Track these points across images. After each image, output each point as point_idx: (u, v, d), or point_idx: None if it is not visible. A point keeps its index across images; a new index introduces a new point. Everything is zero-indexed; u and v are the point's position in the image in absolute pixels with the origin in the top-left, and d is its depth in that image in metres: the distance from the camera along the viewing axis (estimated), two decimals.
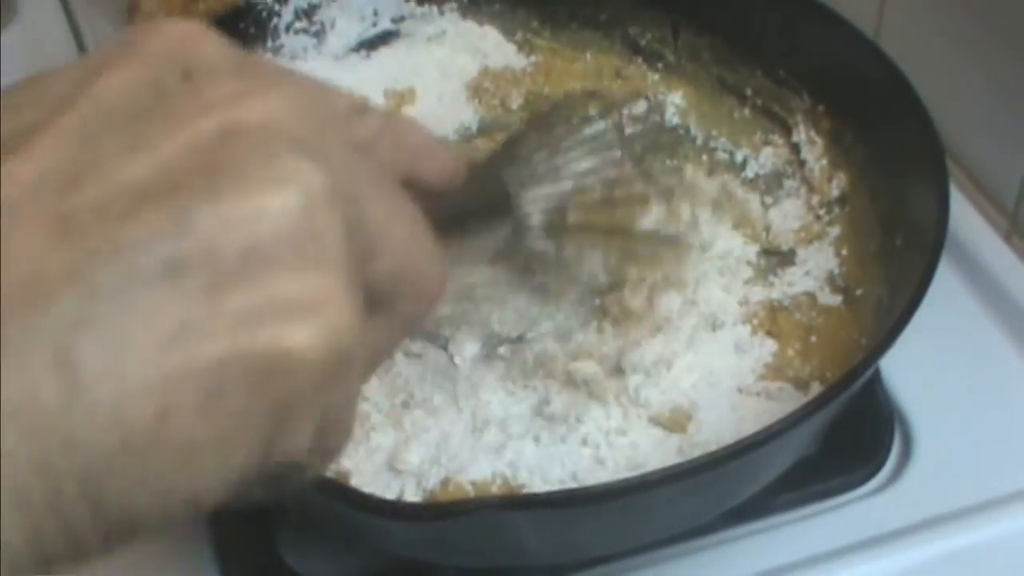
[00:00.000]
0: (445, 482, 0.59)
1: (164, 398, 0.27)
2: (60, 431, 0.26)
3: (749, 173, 0.75)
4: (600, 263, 0.61)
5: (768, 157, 0.75)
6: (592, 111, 0.63)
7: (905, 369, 0.68)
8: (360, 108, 0.37)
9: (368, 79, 0.80)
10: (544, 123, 0.59)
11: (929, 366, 0.69)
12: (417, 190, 0.38)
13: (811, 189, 0.72)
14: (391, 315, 0.35)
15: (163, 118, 0.29)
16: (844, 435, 0.62)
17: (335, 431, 0.31)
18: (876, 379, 0.67)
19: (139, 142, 0.28)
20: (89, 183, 0.28)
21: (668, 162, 0.67)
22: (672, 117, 0.78)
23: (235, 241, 0.28)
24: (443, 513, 0.50)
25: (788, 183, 0.74)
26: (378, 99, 0.79)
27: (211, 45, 0.33)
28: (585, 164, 0.57)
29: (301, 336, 0.28)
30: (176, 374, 0.27)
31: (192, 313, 0.27)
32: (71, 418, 0.26)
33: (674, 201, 0.64)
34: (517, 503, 0.53)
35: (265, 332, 0.28)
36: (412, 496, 0.59)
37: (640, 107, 0.70)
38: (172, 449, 0.27)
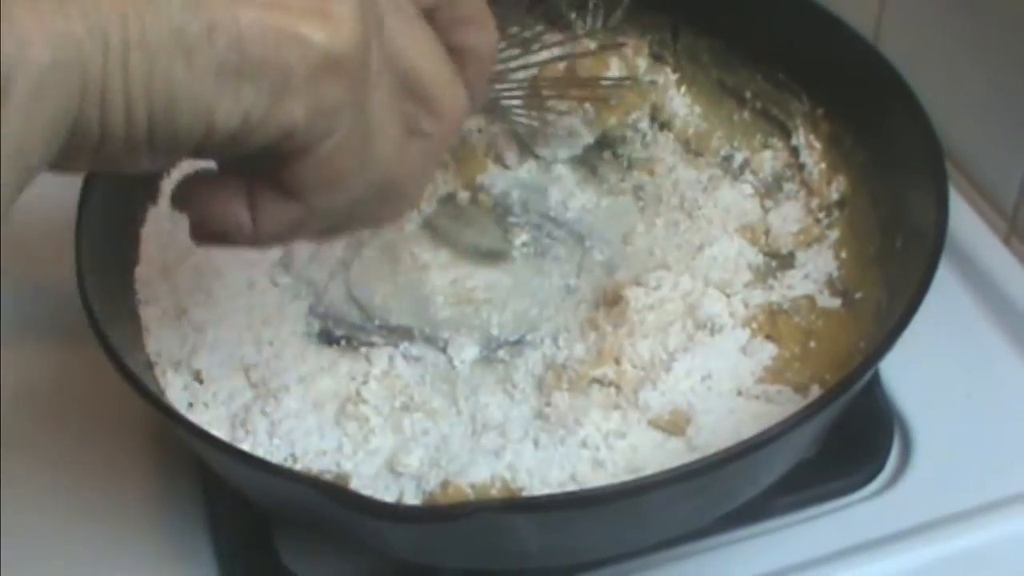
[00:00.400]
0: (444, 484, 0.59)
1: (212, 23, 0.37)
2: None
3: (748, 176, 0.75)
4: (579, 119, 0.75)
5: (767, 160, 0.75)
6: None
7: (904, 372, 0.68)
8: None
9: None
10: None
11: (928, 369, 0.69)
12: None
13: (810, 192, 0.72)
14: (420, 136, 0.45)
15: None
16: (844, 438, 0.62)
17: (333, 128, 0.41)
18: (875, 382, 0.67)
19: None
20: None
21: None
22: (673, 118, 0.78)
23: None
24: (443, 516, 0.51)
25: (787, 186, 0.74)
26: None
27: None
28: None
29: (309, 30, 0.38)
30: (222, 16, 0.37)
31: None
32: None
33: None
34: (517, 506, 0.53)
35: (288, 16, 0.38)
36: (411, 498, 0.59)
37: None
38: (210, 63, 0.37)
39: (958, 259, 0.73)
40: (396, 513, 0.52)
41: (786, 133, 0.75)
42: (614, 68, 0.76)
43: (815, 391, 0.61)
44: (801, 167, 0.73)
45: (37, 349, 0.74)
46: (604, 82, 0.76)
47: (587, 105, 0.76)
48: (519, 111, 0.74)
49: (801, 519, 0.64)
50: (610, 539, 0.58)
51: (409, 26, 0.44)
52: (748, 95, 0.77)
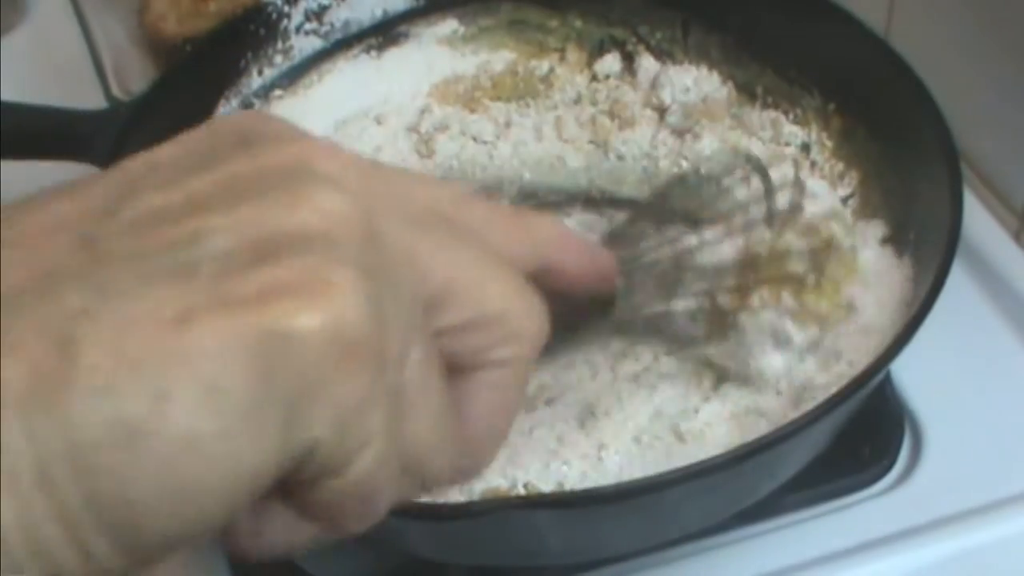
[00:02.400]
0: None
1: (163, 380, 0.26)
2: (54, 407, 0.25)
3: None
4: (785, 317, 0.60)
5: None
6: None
7: (915, 369, 0.68)
8: (466, 197, 0.36)
9: (378, 80, 0.81)
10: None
11: (939, 366, 0.69)
12: (553, 285, 0.39)
13: None
14: (491, 366, 0.35)
15: (207, 168, 0.30)
16: (854, 435, 0.62)
17: (355, 433, 0.29)
18: (886, 379, 0.67)
19: (176, 182, 0.29)
20: (117, 214, 0.29)
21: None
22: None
23: (248, 243, 0.28)
24: (465, 513, 0.51)
25: None
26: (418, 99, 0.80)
27: (278, 123, 0.33)
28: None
29: (303, 317, 0.28)
30: (176, 354, 0.26)
31: (197, 299, 0.27)
32: (65, 393, 0.26)
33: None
34: (538, 502, 0.53)
35: (268, 312, 0.27)
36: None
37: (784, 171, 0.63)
38: (171, 438, 0.26)
39: (969, 256, 0.73)
40: (419, 511, 0.52)
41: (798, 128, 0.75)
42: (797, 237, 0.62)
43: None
44: (813, 163, 0.73)
45: None
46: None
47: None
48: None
49: (811, 516, 0.64)
50: (629, 536, 0.58)
51: (450, 244, 0.33)
52: (759, 90, 0.77)
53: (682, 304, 0.56)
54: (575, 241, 0.41)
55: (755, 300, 0.58)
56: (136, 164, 0.31)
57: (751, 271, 0.58)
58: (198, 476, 0.27)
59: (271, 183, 0.29)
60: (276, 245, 0.28)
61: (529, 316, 0.35)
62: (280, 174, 0.29)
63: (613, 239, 0.55)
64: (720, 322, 0.58)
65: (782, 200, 0.59)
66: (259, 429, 0.27)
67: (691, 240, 0.57)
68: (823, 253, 0.59)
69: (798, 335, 0.59)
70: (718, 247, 0.58)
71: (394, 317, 0.30)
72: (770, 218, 0.59)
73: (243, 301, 0.27)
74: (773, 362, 0.60)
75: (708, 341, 0.59)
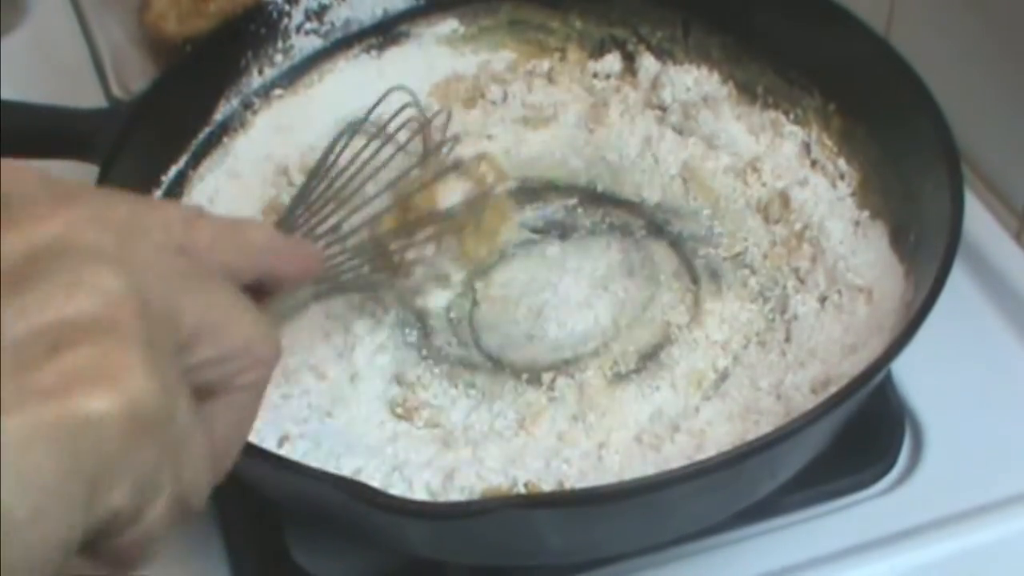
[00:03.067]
0: (450, 477, 0.59)
1: None
2: None
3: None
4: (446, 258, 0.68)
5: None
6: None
7: (915, 369, 0.68)
8: (192, 218, 0.39)
9: (379, 79, 0.80)
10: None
11: (939, 366, 0.69)
12: (276, 286, 0.44)
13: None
14: (236, 390, 0.38)
15: None
16: (855, 435, 0.62)
17: (149, 491, 0.32)
18: (887, 379, 0.67)
19: None
20: None
21: None
22: None
23: (38, 332, 0.30)
24: (465, 512, 0.51)
25: None
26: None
27: (28, 177, 0.35)
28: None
29: (99, 402, 0.30)
30: None
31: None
32: None
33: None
34: (538, 501, 0.53)
35: (66, 402, 0.29)
36: (420, 493, 0.59)
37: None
38: None
39: (969, 256, 0.73)
40: (422, 511, 0.52)
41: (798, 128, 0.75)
42: (454, 190, 0.68)
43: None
44: (813, 163, 0.73)
45: None
46: (448, 211, 0.67)
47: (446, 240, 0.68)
48: (365, 279, 0.67)
49: (812, 516, 0.64)
50: (629, 535, 0.58)
51: (195, 288, 0.36)
52: (759, 90, 0.77)
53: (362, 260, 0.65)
54: (285, 245, 0.45)
55: (421, 246, 0.66)
56: None
57: (415, 218, 0.66)
58: (11, 555, 0.29)
59: (45, 265, 0.31)
60: (64, 333, 0.30)
61: (266, 343, 0.39)
62: (52, 254, 0.32)
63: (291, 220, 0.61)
64: (392, 267, 0.66)
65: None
66: (67, 506, 0.30)
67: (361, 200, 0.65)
68: (479, 202, 0.67)
69: (456, 275, 0.69)
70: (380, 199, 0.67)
71: (171, 377, 0.33)
72: (425, 155, 0.69)
73: (43, 391, 0.29)
74: (438, 301, 0.68)
75: (388, 284, 0.67)
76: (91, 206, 0.34)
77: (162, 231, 0.37)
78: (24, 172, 0.35)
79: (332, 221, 0.63)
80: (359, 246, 0.65)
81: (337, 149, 0.66)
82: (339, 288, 0.66)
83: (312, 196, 0.63)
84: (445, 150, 0.69)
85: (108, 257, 0.32)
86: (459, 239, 0.67)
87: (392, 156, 0.68)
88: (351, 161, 0.66)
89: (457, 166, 0.68)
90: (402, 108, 0.70)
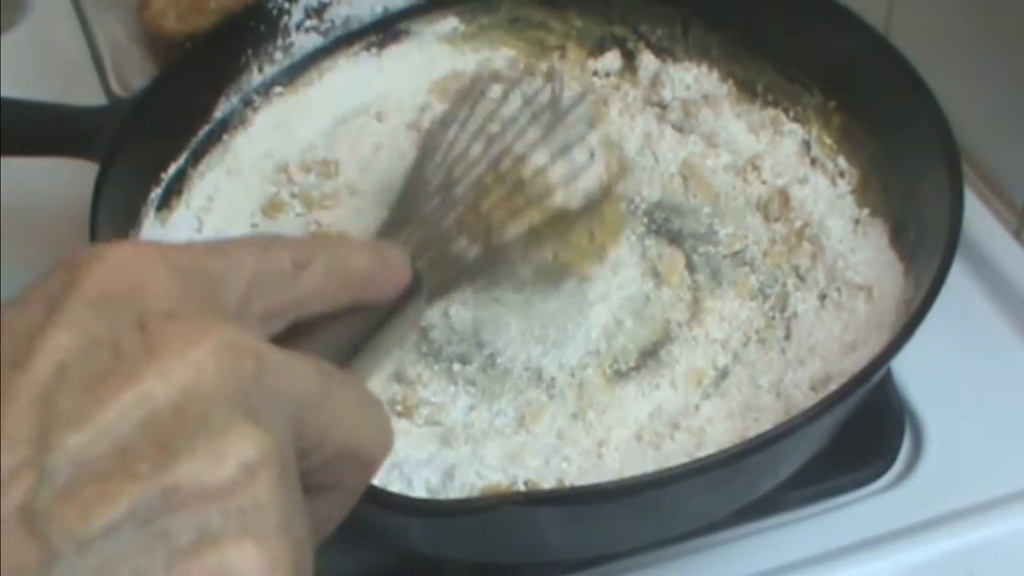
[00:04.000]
0: (449, 475, 0.59)
1: None
2: None
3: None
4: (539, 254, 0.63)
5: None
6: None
7: (915, 366, 0.68)
8: (300, 265, 0.40)
9: (379, 77, 0.81)
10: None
11: (939, 363, 0.69)
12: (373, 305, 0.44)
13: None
14: (338, 491, 0.38)
15: (119, 381, 0.32)
16: (855, 432, 0.62)
17: None
18: (887, 376, 0.67)
19: (95, 410, 0.31)
20: (49, 469, 0.30)
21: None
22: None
23: (187, 522, 0.31)
24: (465, 509, 0.51)
25: None
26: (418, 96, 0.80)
27: (158, 281, 0.35)
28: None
29: (250, 569, 0.31)
30: None
31: None
32: None
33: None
34: (538, 498, 0.53)
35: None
36: (420, 491, 0.59)
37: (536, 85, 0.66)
38: None
39: (969, 254, 0.73)
40: (422, 508, 0.52)
41: (797, 126, 0.75)
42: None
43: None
44: (813, 161, 0.73)
45: None
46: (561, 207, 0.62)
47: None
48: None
49: (812, 513, 0.64)
50: (629, 533, 0.58)
51: (316, 408, 0.36)
52: (759, 88, 0.77)
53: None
54: (377, 272, 0.45)
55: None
56: (43, 365, 0.32)
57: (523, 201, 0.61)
58: None
59: (191, 426, 0.31)
60: (212, 531, 0.31)
61: (378, 444, 0.38)
62: (196, 415, 0.32)
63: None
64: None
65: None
66: None
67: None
68: (595, 205, 0.63)
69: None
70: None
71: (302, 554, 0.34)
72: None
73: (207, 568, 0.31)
74: None
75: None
76: (218, 337, 0.33)
77: (258, 285, 0.38)
78: (153, 271, 0.35)
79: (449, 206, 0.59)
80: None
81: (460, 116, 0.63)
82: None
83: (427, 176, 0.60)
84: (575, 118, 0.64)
85: (250, 412, 0.33)
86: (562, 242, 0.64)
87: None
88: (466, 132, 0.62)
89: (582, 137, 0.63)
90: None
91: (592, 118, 0.63)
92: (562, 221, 0.62)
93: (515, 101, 0.63)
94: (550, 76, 0.65)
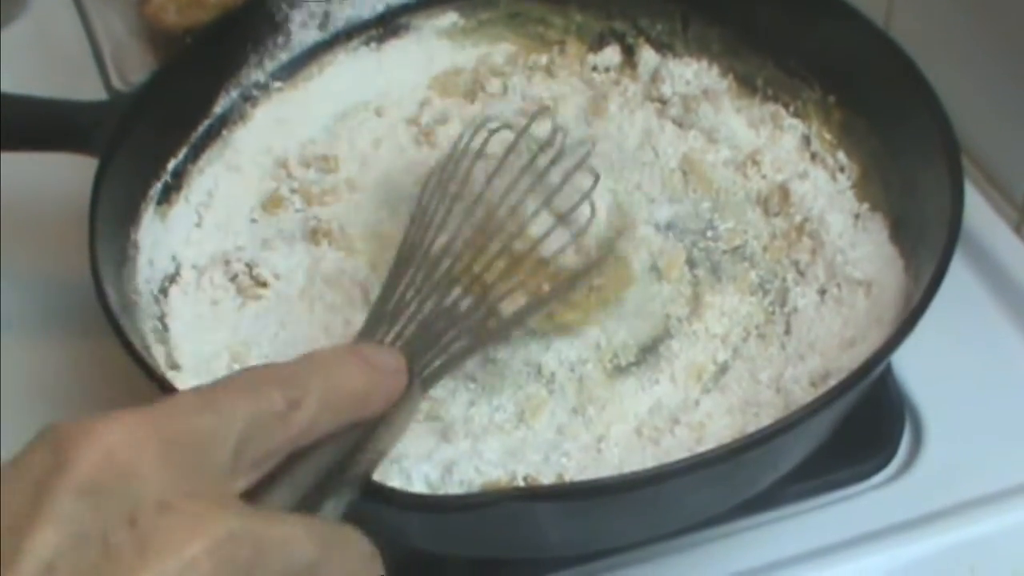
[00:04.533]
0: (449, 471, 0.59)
1: None
2: None
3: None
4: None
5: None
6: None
7: (915, 360, 0.68)
8: (294, 403, 0.41)
9: (378, 72, 0.81)
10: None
11: (939, 357, 0.69)
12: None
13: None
14: None
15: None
16: (855, 426, 0.62)
17: None
18: (887, 371, 0.68)
19: None
20: None
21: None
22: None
23: None
24: (464, 505, 0.51)
25: None
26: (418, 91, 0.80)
27: (147, 463, 0.35)
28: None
29: None
30: None
31: None
32: None
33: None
34: (538, 493, 0.53)
35: None
36: (419, 485, 0.59)
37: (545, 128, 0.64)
38: None
39: (969, 248, 0.73)
40: (421, 504, 0.52)
41: (798, 121, 0.75)
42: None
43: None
44: (813, 155, 0.73)
45: (45, 340, 0.74)
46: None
47: None
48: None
49: (812, 507, 0.64)
50: (629, 528, 0.58)
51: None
52: (759, 83, 0.77)
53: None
54: (372, 389, 0.46)
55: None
56: (31, 565, 0.31)
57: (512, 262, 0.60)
58: None
59: None
60: None
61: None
62: None
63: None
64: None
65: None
66: None
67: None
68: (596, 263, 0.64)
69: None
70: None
71: None
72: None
73: None
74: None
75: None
76: (215, 527, 0.34)
77: (254, 426, 0.39)
78: (144, 456, 0.35)
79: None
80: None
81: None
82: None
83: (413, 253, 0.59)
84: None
85: None
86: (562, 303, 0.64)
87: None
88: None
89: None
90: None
91: (597, 172, 0.62)
92: (563, 283, 0.62)
93: (513, 155, 0.62)
94: (554, 127, 0.63)
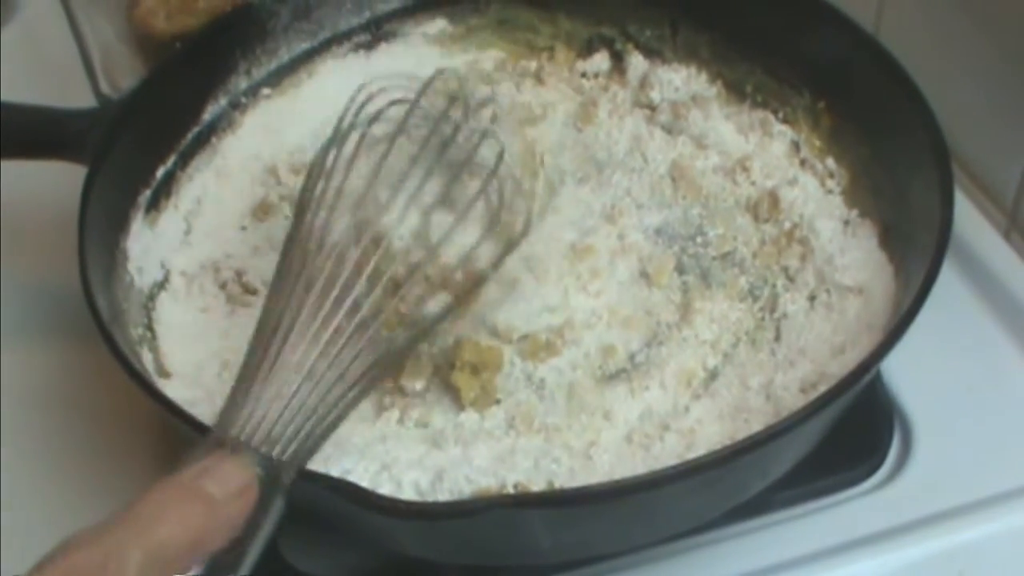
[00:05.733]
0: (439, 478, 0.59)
1: None
2: None
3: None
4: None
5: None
6: None
7: (905, 366, 0.68)
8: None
9: (367, 79, 0.80)
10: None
11: (929, 363, 0.69)
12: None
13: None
14: None
15: None
16: (844, 432, 0.62)
17: None
18: (876, 377, 0.68)
19: None
20: None
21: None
22: None
23: None
24: (455, 512, 0.51)
25: None
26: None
27: None
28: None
29: None
30: None
31: None
32: None
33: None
34: (528, 500, 0.53)
35: None
36: (409, 493, 0.59)
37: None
38: None
39: (958, 254, 0.73)
40: (412, 511, 0.52)
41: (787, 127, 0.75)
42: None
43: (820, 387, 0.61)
44: (803, 162, 0.73)
45: (38, 347, 0.74)
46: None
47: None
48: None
49: (802, 513, 0.64)
50: (620, 535, 0.58)
51: None
52: (749, 89, 0.77)
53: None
54: (209, 528, 0.45)
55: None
56: None
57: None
58: None
59: None
60: None
61: None
62: None
63: None
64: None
65: None
66: None
67: None
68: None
69: None
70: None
71: None
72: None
73: None
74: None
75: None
76: None
77: None
78: None
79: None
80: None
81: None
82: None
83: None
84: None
85: None
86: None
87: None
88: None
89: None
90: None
91: (501, 146, 0.59)
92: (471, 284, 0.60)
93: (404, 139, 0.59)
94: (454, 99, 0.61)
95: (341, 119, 0.61)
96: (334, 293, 0.54)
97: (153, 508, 0.44)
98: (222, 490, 0.46)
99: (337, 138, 0.60)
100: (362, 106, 0.60)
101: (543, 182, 0.66)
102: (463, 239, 0.59)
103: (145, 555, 0.42)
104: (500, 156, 0.59)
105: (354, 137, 0.60)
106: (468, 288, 0.59)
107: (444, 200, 0.59)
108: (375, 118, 0.60)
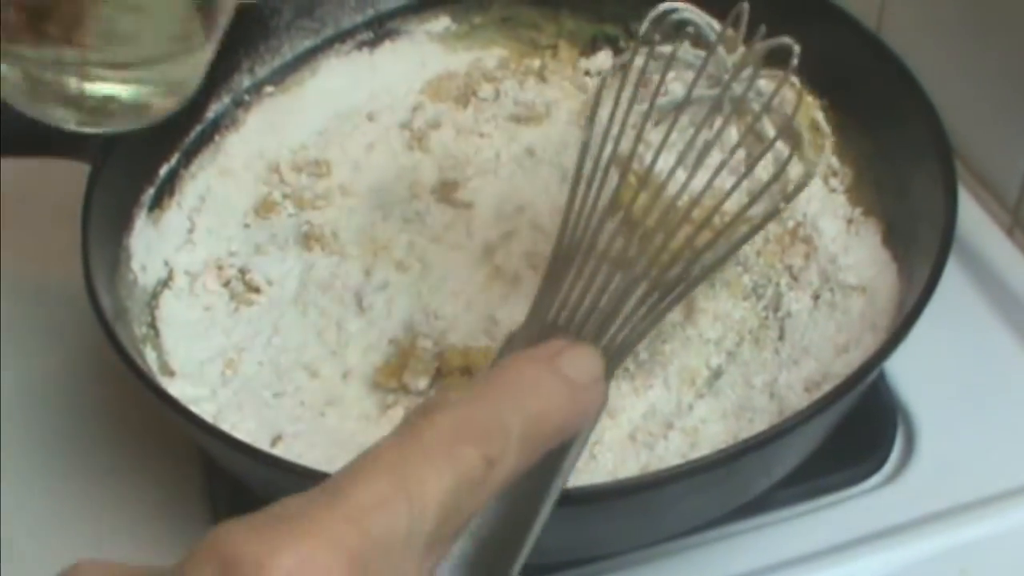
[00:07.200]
0: None
1: None
2: None
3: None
4: None
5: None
6: None
7: (908, 364, 0.68)
8: (493, 460, 0.36)
9: (371, 77, 0.80)
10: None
11: (932, 361, 0.69)
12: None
13: None
14: None
15: None
16: (847, 431, 0.62)
17: None
18: (880, 375, 0.68)
19: None
20: None
21: None
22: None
23: None
24: None
25: None
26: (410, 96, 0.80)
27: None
28: None
29: None
30: None
31: None
32: None
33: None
34: None
35: None
36: None
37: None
38: None
39: (961, 251, 0.73)
40: None
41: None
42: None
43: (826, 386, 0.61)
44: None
45: (40, 346, 0.74)
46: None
47: None
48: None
49: (804, 511, 0.64)
50: (622, 534, 0.58)
51: None
52: None
53: None
54: (572, 415, 0.42)
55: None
56: None
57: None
58: None
59: None
60: None
61: None
62: None
63: None
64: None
65: None
66: None
67: None
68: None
69: None
70: None
71: None
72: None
73: None
74: None
75: None
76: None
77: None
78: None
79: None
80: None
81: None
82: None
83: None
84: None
85: None
86: None
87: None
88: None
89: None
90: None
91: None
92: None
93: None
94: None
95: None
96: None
97: (522, 380, 0.40)
98: (581, 376, 0.42)
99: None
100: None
101: None
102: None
103: (523, 436, 0.38)
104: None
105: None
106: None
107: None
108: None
